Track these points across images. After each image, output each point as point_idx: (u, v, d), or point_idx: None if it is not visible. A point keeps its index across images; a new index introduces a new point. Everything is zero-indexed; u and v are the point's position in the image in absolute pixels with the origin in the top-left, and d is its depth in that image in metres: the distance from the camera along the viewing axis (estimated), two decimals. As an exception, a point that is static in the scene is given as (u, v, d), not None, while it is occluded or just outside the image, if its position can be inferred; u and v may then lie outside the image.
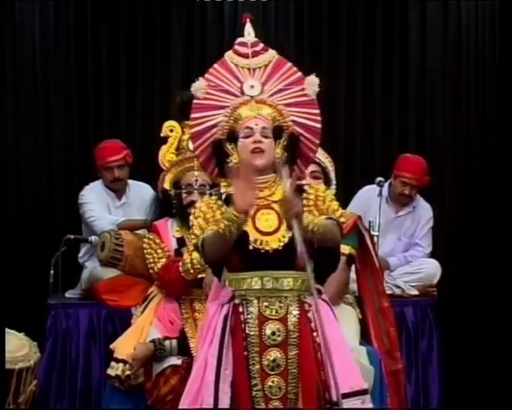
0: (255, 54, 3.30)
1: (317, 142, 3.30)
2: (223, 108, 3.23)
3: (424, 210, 5.44)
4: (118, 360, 4.21)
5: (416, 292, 5.19)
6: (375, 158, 6.11)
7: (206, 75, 3.29)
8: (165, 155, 4.45)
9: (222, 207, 3.13)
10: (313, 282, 3.00)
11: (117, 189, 5.27)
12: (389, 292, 4.81)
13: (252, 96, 3.24)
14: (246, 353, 3.04)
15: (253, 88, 3.25)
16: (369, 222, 4.75)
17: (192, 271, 4.20)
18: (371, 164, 6.07)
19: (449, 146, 6.13)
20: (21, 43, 5.86)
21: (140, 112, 6.00)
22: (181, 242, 4.35)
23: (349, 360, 3.11)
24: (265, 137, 3.17)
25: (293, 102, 3.25)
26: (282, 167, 3.11)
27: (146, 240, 4.41)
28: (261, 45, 3.33)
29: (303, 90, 3.27)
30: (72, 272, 5.17)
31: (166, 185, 4.42)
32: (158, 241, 4.35)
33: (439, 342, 5.07)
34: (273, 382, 3.04)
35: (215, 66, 3.30)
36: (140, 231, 4.87)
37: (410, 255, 5.37)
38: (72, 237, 4.93)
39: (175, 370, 4.10)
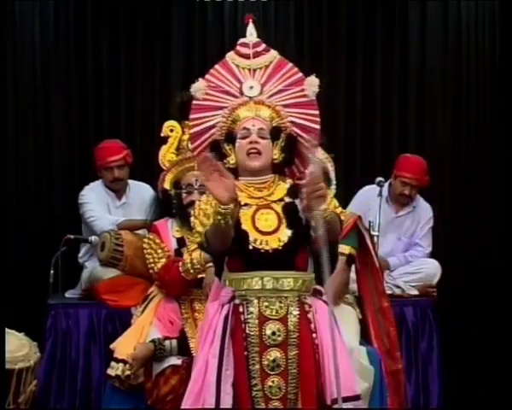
0: (256, 54, 3.30)
1: (316, 143, 3.30)
2: (222, 108, 3.24)
3: (424, 210, 5.44)
4: (118, 360, 4.21)
5: (415, 292, 5.19)
6: (375, 158, 6.11)
7: (207, 76, 3.29)
8: (166, 154, 4.45)
9: None
10: (328, 267, 2.95)
11: (117, 189, 5.27)
12: (389, 292, 4.81)
13: (251, 97, 3.25)
14: (246, 353, 3.04)
15: (253, 89, 3.26)
16: (369, 222, 4.75)
17: (192, 271, 4.21)
18: (371, 164, 6.07)
19: (449, 146, 6.13)
20: (21, 43, 5.86)
21: (140, 112, 6.00)
22: (181, 242, 4.35)
23: (345, 364, 3.10)
24: (262, 138, 3.17)
25: (292, 102, 3.26)
26: (312, 148, 3.08)
27: (146, 240, 4.41)
28: (263, 46, 3.33)
29: (302, 90, 3.27)
30: (72, 272, 5.17)
31: (166, 185, 4.42)
32: (158, 241, 4.35)
33: (439, 342, 5.07)
34: (273, 382, 3.04)
35: (216, 66, 3.31)
36: (140, 231, 4.87)
37: (410, 255, 5.37)
38: (72, 237, 4.93)
39: (175, 370, 4.10)
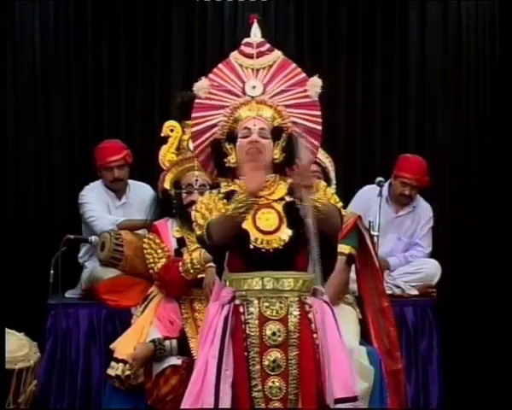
0: (260, 54, 3.31)
1: (318, 144, 3.31)
2: (224, 108, 3.25)
3: (424, 210, 5.44)
4: (118, 360, 4.21)
5: (415, 292, 5.19)
6: (375, 158, 6.11)
7: (210, 75, 3.30)
8: (166, 154, 4.45)
9: (223, 200, 3.13)
10: (317, 255, 2.96)
11: (117, 189, 5.27)
12: (389, 292, 4.81)
13: (253, 97, 3.25)
14: (246, 353, 3.04)
15: (255, 88, 3.27)
16: (369, 222, 4.75)
17: (192, 271, 4.21)
18: (371, 164, 6.06)
19: (449, 146, 6.12)
20: (21, 43, 5.86)
21: (140, 112, 5.99)
22: (181, 242, 4.36)
23: (344, 365, 3.10)
24: (263, 137, 3.17)
25: (294, 103, 3.27)
26: (299, 138, 3.08)
27: (146, 240, 4.41)
28: (267, 46, 3.34)
29: (305, 91, 3.28)
30: (72, 272, 5.17)
31: (167, 185, 4.42)
32: (158, 241, 4.35)
33: (439, 342, 5.07)
34: (273, 382, 3.04)
35: (219, 66, 3.32)
36: (140, 231, 4.87)
37: (410, 255, 5.36)
38: (72, 237, 4.93)
39: (175, 370, 4.10)
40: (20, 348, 3.79)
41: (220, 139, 3.23)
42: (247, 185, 3.00)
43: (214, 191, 3.23)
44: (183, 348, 4.15)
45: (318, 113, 3.28)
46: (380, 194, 5.17)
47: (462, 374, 5.63)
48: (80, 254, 5.29)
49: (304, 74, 3.31)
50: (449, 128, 6.13)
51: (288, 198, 3.18)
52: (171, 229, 4.40)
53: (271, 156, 3.20)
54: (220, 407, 2.99)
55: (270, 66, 3.30)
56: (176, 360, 4.13)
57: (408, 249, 5.40)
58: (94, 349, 4.82)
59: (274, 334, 3.05)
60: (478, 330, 5.84)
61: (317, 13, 6.12)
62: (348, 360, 3.16)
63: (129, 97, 6.01)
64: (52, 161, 5.92)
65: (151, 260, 4.35)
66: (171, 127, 4.48)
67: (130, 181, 5.31)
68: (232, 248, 3.11)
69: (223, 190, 3.22)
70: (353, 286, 4.35)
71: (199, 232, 3.14)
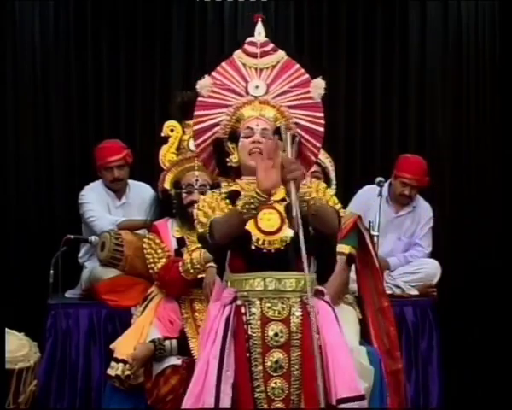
0: (264, 54, 3.28)
1: (319, 145, 3.29)
2: (226, 106, 3.23)
3: (424, 210, 5.44)
4: (118, 360, 4.21)
5: (415, 292, 5.19)
6: (375, 158, 6.11)
7: (213, 73, 3.28)
8: (166, 154, 4.44)
9: (225, 200, 3.13)
10: (304, 247, 2.94)
11: (117, 189, 5.27)
12: (389, 292, 4.81)
13: (256, 97, 3.24)
14: (248, 354, 3.02)
15: (258, 88, 3.24)
16: (369, 222, 4.75)
17: (192, 271, 4.21)
18: (371, 164, 6.07)
19: (449, 146, 6.13)
20: (21, 43, 5.86)
21: (140, 112, 6.00)
22: (181, 242, 4.35)
23: (348, 364, 3.09)
24: (266, 138, 3.17)
25: (297, 104, 3.24)
26: (286, 132, 3.07)
27: (146, 240, 4.41)
28: (271, 45, 3.31)
29: (308, 92, 3.26)
30: (72, 272, 5.17)
31: (167, 185, 4.42)
32: (158, 241, 4.35)
33: (439, 342, 5.07)
34: (276, 383, 3.03)
35: (223, 64, 3.29)
36: (140, 231, 4.87)
37: (410, 255, 5.37)
38: (72, 237, 4.93)
39: (175, 370, 4.10)
40: (20, 348, 3.79)
41: (222, 138, 3.22)
42: (261, 183, 2.94)
43: (216, 191, 3.23)
44: (183, 348, 4.15)
45: (321, 114, 3.26)
46: (380, 194, 5.17)
47: (462, 374, 5.63)
48: (80, 254, 5.29)
49: (307, 75, 3.29)
50: (449, 128, 6.13)
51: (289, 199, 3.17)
52: (171, 229, 4.40)
53: None
54: (220, 407, 2.99)
55: (274, 66, 3.28)
56: (176, 360, 4.12)
57: (408, 249, 5.40)
58: (94, 349, 4.82)
59: (276, 335, 3.04)
60: (478, 330, 5.84)
61: (317, 13, 6.12)
62: (352, 359, 3.16)
63: (129, 97, 6.01)
64: (52, 161, 5.93)
65: (151, 260, 4.34)
66: (171, 127, 4.48)
67: (130, 181, 5.31)
68: (233, 249, 3.10)
69: (224, 190, 3.22)
70: (353, 286, 4.34)
71: (201, 230, 3.11)
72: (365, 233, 4.27)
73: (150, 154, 4.90)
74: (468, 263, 5.96)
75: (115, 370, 4.19)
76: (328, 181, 4.03)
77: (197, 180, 4.33)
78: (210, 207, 3.11)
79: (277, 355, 3.04)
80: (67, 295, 5.14)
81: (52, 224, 5.81)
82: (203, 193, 4.13)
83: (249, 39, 3.33)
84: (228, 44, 5.85)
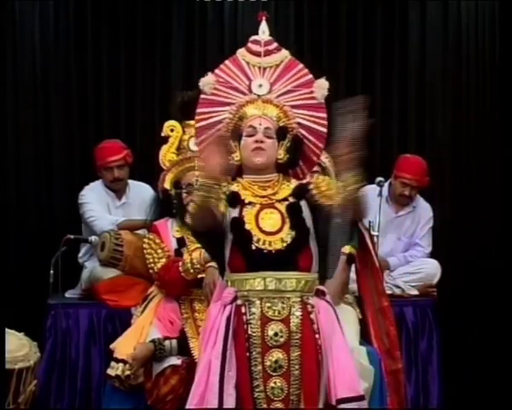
0: (267, 53, 3.29)
1: (322, 146, 3.29)
2: (229, 104, 3.24)
3: (424, 210, 5.44)
4: (118, 360, 4.21)
5: (415, 292, 5.19)
6: (375, 158, 6.11)
7: (216, 71, 3.29)
8: (166, 154, 4.45)
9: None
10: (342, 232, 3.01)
11: (117, 189, 5.27)
12: (389, 292, 4.80)
13: (259, 95, 3.24)
14: (248, 354, 3.03)
15: (262, 87, 3.25)
16: (369, 222, 4.73)
17: (192, 271, 4.21)
18: (371, 164, 6.05)
19: (449, 146, 6.12)
20: (21, 43, 5.86)
21: (140, 112, 5.99)
22: (181, 242, 4.35)
23: (348, 364, 3.09)
24: (268, 137, 3.16)
25: (300, 104, 3.25)
26: (348, 114, 3.03)
27: (146, 240, 4.41)
28: (274, 44, 3.33)
29: (311, 92, 3.27)
30: (72, 272, 5.17)
31: (167, 185, 4.42)
32: (158, 241, 4.35)
33: (439, 342, 5.07)
34: (275, 383, 3.04)
35: (226, 62, 3.30)
36: (140, 231, 4.87)
37: (409, 255, 5.36)
38: (72, 237, 4.93)
39: (175, 370, 4.10)
40: (20, 348, 3.78)
41: (225, 136, 3.22)
42: (203, 169, 3.01)
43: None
44: (183, 348, 4.15)
45: (324, 115, 3.27)
46: (380, 194, 5.17)
47: (462, 374, 5.63)
48: (80, 254, 5.29)
49: (310, 76, 3.30)
50: (449, 128, 6.13)
51: (291, 199, 3.17)
52: (171, 229, 4.40)
53: (275, 156, 3.19)
54: (224, 407, 2.98)
55: (278, 65, 3.29)
56: (176, 360, 4.12)
57: (408, 249, 5.40)
58: (94, 349, 4.82)
59: (276, 334, 3.04)
60: (478, 330, 5.84)
61: (317, 13, 6.12)
62: (352, 359, 3.16)
63: (129, 97, 6.01)
64: (52, 161, 5.92)
65: (151, 260, 4.35)
66: (171, 127, 4.48)
67: (130, 181, 5.31)
68: (234, 248, 3.10)
69: (223, 190, 3.22)
70: (353, 286, 4.34)
71: (191, 223, 3.16)
72: (365, 233, 4.26)
73: (150, 154, 4.90)
74: (468, 263, 5.95)
75: (115, 370, 4.20)
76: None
77: (197, 180, 4.31)
78: None
79: (277, 355, 3.04)
80: (67, 295, 5.14)
81: (52, 224, 5.81)
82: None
83: (253, 38, 3.33)
84: (228, 44, 5.84)
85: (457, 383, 5.50)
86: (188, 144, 4.39)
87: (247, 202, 3.15)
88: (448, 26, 6.15)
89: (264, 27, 3.35)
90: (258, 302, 3.06)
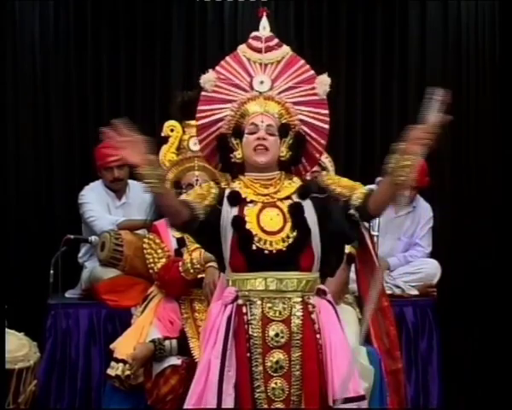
0: (268, 49, 3.26)
1: (324, 143, 3.27)
2: (231, 102, 3.21)
3: (424, 210, 5.44)
4: (118, 360, 4.21)
5: (415, 292, 5.19)
6: (375, 158, 6.10)
7: (217, 68, 3.26)
8: (166, 154, 4.44)
9: (213, 189, 3.15)
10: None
11: (117, 189, 5.27)
12: (389, 292, 4.81)
13: (261, 92, 3.22)
14: (249, 354, 3.02)
15: (263, 84, 3.22)
16: (369, 222, 4.74)
17: (192, 271, 4.21)
18: (371, 164, 6.06)
19: (449, 146, 6.12)
20: (21, 43, 5.86)
21: (140, 112, 5.99)
22: (181, 242, 4.35)
23: (349, 364, 3.09)
24: (270, 134, 3.14)
25: (302, 100, 3.22)
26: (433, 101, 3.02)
27: (146, 240, 4.41)
28: (275, 40, 3.29)
29: (313, 89, 3.24)
30: (72, 272, 5.17)
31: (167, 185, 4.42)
32: (158, 241, 4.35)
33: (439, 342, 5.07)
34: (276, 384, 3.02)
35: (227, 58, 3.28)
36: (140, 231, 4.87)
37: (409, 255, 5.36)
38: (72, 237, 4.94)
39: (175, 370, 4.10)
40: (20, 348, 3.79)
41: (226, 134, 3.20)
42: (136, 164, 2.99)
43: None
44: (183, 348, 4.15)
45: (326, 111, 3.24)
46: (380, 194, 5.16)
47: (462, 374, 5.63)
48: (80, 254, 5.29)
49: (312, 72, 3.27)
50: (449, 128, 6.11)
51: (294, 198, 3.15)
52: (171, 229, 4.40)
53: (278, 154, 3.17)
54: (223, 407, 2.98)
55: (279, 61, 3.25)
56: (176, 360, 4.12)
57: (408, 249, 5.40)
58: (94, 349, 4.82)
59: (277, 335, 3.03)
60: (478, 330, 5.84)
61: (317, 13, 6.12)
62: (353, 359, 3.15)
63: (129, 97, 6.01)
64: (52, 161, 5.92)
65: (151, 260, 4.34)
66: (171, 127, 4.47)
67: (130, 181, 5.31)
68: (234, 248, 3.08)
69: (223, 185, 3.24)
70: (353, 286, 4.34)
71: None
72: (365, 233, 4.26)
73: (150, 154, 4.89)
74: (468, 263, 5.95)
75: (115, 370, 4.20)
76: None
77: (197, 180, 4.32)
78: (198, 194, 3.15)
79: (278, 356, 3.03)
80: (67, 295, 5.14)
81: (52, 224, 5.81)
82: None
83: (254, 34, 3.30)
84: (228, 44, 5.84)
85: (457, 383, 5.50)
86: (188, 144, 4.38)
87: (248, 200, 3.13)
88: (448, 26, 6.15)
89: (264, 23, 3.31)
90: (259, 303, 3.04)
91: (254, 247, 3.05)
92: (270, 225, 3.09)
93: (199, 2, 6.00)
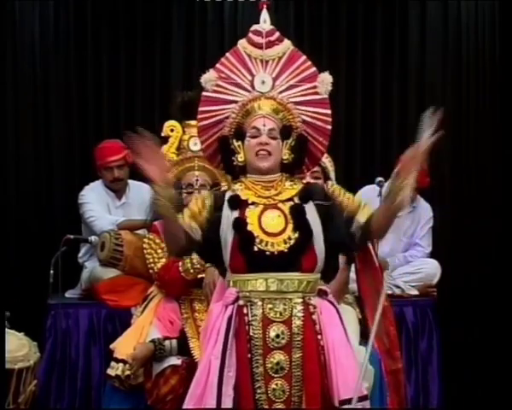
0: (269, 44, 3.21)
1: (326, 143, 3.25)
2: (232, 102, 3.18)
3: (424, 210, 5.43)
4: (118, 360, 4.21)
5: (415, 292, 5.19)
6: (375, 158, 6.11)
7: (218, 65, 3.22)
8: (166, 154, 4.44)
9: (207, 200, 3.13)
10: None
11: (117, 189, 5.27)
12: (389, 292, 4.80)
13: (262, 93, 3.19)
14: (249, 355, 3.01)
15: (264, 84, 3.18)
16: (369, 222, 4.74)
17: (192, 271, 4.21)
18: (371, 164, 6.06)
19: (449, 146, 6.12)
20: (21, 43, 5.86)
21: (140, 112, 5.99)
22: (181, 242, 4.35)
23: (351, 364, 3.08)
24: (272, 138, 3.12)
25: (303, 100, 3.19)
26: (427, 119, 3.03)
27: (146, 240, 4.41)
28: (276, 35, 3.25)
29: (315, 87, 3.21)
30: (72, 272, 5.17)
31: (167, 185, 4.41)
32: (158, 241, 4.34)
33: (439, 342, 5.07)
34: (277, 385, 3.02)
35: (227, 55, 3.23)
36: (140, 231, 4.87)
37: (409, 255, 5.36)
38: (72, 237, 4.94)
39: (175, 370, 4.10)
40: (20, 348, 3.79)
41: (228, 136, 3.18)
42: (153, 179, 2.96)
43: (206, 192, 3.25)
44: (183, 348, 4.15)
45: (328, 111, 3.21)
46: (380, 194, 5.16)
47: (462, 374, 5.63)
48: (80, 254, 5.29)
49: (314, 68, 3.23)
50: (449, 128, 6.12)
51: (296, 200, 3.13)
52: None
53: (280, 157, 3.14)
54: (222, 408, 2.98)
55: (280, 57, 3.22)
56: (176, 360, 4.12)
57: (408, 249, 5.40)
58: (94, 349, 4.82)
59: (278, 336, 3.01)
60: (478, 330, 5.84)
61: (317, 13, 6.12)
62: (354, 360, 3.15)
63: (129, 97, 6.01)
64: (52, 161, 5.93)
65: (151, 260, 4.34)
66: (171, 127, 4.48)
67: (130, 181, 5.31)
68: (235, 249, 3.06)
69: (223, 189, 3.22)
70: (353, 286, 4.34)
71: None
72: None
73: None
74: (468, 263, 5.95)
75: (115, 370, 4.20)
76: (327, 181, 4.03)
77: (197, 180, 4.33)
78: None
79: (278, 357, 3.02)
80: (67, 295, 5.14)
81: (52, 224, 5.81)
82: (203, 193, 4.14)
83: (254, 27, 3.25)
84: (228, 44, 5.82)
85: (457, 383, 5.50)
86: (188, 144, 4.38)
87: (250, 202, 3.11)
88: (448, 26, 6.15)
89: (265, 16, 3.25)
90: (259, 303, 3.03)
91: (256, 248, 3.04)
92: (271, 226, 3.07)
93: (199, 2, 6.00)
